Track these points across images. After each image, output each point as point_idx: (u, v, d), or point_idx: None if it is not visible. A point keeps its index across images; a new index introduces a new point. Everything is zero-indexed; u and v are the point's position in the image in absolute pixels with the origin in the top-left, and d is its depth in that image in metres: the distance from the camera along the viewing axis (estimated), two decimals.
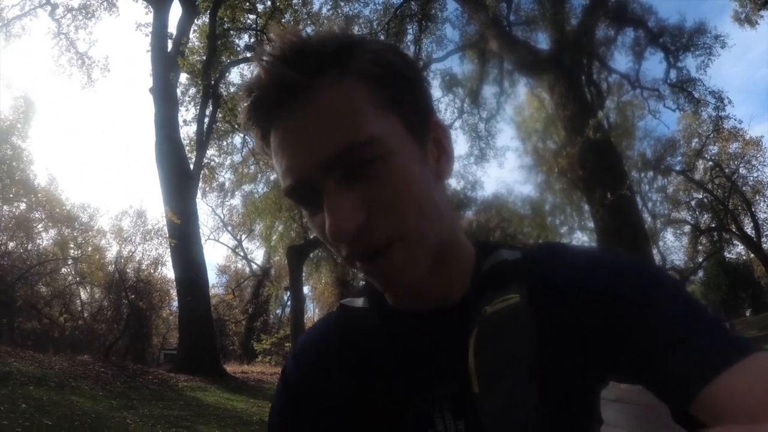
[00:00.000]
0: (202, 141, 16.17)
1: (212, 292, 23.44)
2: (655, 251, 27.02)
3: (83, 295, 23.49)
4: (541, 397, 0.56)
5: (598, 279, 0.59)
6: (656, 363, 0.52)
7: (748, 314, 27.46)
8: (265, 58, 0.55)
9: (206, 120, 16.39)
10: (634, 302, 0.56)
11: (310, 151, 0.53)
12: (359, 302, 0.71)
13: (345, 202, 0.53)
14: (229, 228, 32.95)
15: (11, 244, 19.71)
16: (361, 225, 0.53)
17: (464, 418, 0.59)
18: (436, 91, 23.16)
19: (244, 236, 33.62)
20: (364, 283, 0.68)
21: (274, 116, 0.56)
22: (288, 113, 0.55)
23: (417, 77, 0.61)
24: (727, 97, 19.28)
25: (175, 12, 17.03)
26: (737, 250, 31.92)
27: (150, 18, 16.61)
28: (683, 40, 19.08)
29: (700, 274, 32.51)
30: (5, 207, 19.43)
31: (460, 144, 24.98)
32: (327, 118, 0.53)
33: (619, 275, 0.59)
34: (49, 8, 17.70)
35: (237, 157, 23.67)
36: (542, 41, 18.54)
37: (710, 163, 28.56)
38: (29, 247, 20.53)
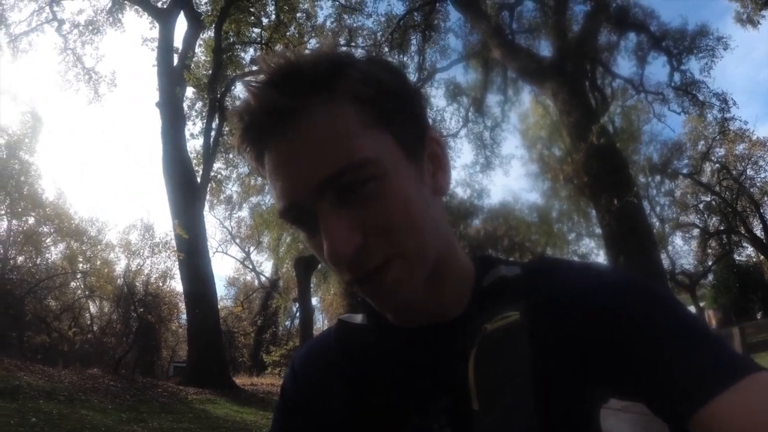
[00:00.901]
0: (209, 154, 16.26)
1: (221, 304, 23.47)
2: (663, 256, 26.84)
3: (92, 308, 23.53)
4: (540, 414, 0.56)
5: (597, 296, 0.59)
6: (655, 380, 0.52)
7: (759, 317, 27.18)
8: (253, 83, 0.55)
9: (213, 133, 16.49)
10: (634, 319, 0.55)
11: (303, 174, 0.53)
12: (358, 318, 0.71)
13: (341, 225, 0.53)
14: (237, 240, 33.10)
15: (20, 259, 19.85)
16: (358, 247, 0.53)
17: None
18: (440, 101, 23.22)
19: (252, 248, 33.74)
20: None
21: (265, 141, 0.56)
22: (279, 137, 0.55)
23: (409, 94, 0.61)
24: (732, 99, 19.14)
25: (181, 26, 17.19)
26: (747, 253, 31.68)
27: (156, 33, 16.80)
28: (686, 43, 19.01)
29: (710, 277, 32.23)
30: (14, 221, 19.57)
31: (465, 153, 25.04)
32: (319, 141, 0.53)
33: (618, 292, 0.59)
34: (56, 24, 17.91)
35: (244, 170, 23.80)
36: (545, 49, 18.65)
37: (717, 165, 28.41)
38: (38, 261, 20.68)
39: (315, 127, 0.54)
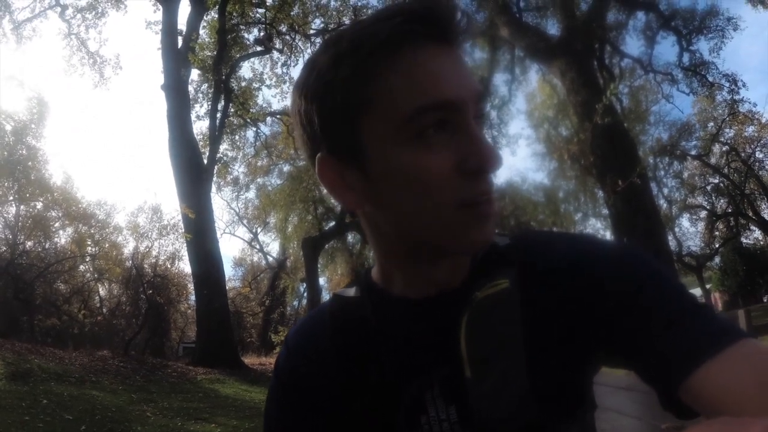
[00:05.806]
0: (215, 136, 16.26)
1: (229, 285, 23.62)
2: (670, 237, 26.75)
3: (101, 291, 23.79)
4: (532, 381, 0.57)
5: (586, 264, 0.60)
6: (644, 348, 0.53)
7: (765, 300, 27.17)
8: None
9: (218, 115, 16.47)
10: (622, 287, 0.56)
11: (469, 80, 0.56)
12: (352, 292, 0.72)
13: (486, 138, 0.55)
14: (245, 221, 33.17)
15: (29, 243, 20.00)
16: None
17: (455, 404, 0.60)
18: None
19: (259, 229, 33.85)
20: (358, 273, 0.67)
21: (430, 38, 0.55)
22: (447, 41, 0.56)
23: None
24: (741, 80, 18.99)
25: (184, 8, 17.06)
26: (754, 236, 31.57)
27: (159, 15, 16.69)
28: (695, 23, 18.83)
29: (717, 260, 32.15)
30: (22, 207, 19.69)
31: None
32: (467, 65, 0.58)
33: (607, 261, 0.60)
34: (59, 9, 17.82)
35: (250, 151, 23.82)
36: (553, 27, 18.42)
37: (726, 147, 28.16)
38: (47, 246, 20.85)
39: (464, 53, 0.58)
